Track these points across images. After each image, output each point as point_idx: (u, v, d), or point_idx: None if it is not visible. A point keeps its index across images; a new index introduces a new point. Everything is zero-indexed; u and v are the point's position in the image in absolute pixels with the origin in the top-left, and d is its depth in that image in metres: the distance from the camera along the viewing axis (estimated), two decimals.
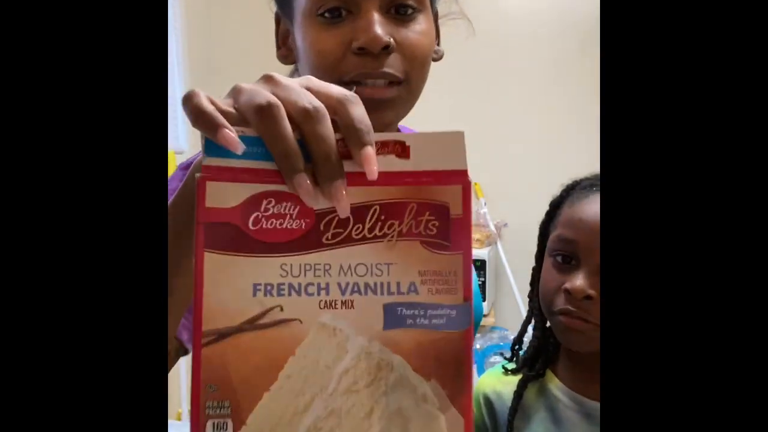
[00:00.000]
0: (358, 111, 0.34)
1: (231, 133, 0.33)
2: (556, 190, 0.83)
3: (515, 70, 2.57)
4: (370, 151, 0.34)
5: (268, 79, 0.36)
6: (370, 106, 0.37)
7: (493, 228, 2.61)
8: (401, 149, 0.35)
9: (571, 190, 0.80)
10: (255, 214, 0.34)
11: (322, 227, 0.34)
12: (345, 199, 0.34)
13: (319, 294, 0.34)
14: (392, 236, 0.35)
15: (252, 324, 0.34)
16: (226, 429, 0.33)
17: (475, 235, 2.55)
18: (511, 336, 0.88)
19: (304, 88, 0.35)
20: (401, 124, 0.69)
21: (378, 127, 0.35)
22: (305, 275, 0.34)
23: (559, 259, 0.74)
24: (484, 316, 2.49)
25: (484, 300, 2.41)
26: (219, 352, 0.33)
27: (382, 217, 0.35)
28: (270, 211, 0.34)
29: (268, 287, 0.34)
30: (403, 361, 0.34)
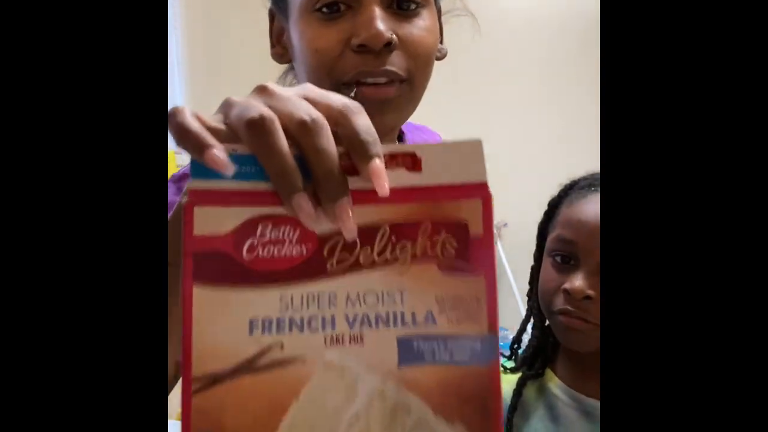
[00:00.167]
0: (363, 121, 0.31)
1: (219, 153, 0.29)
2: (555, 191, 0.83)
3: (515, 69, 2.58)
4: (378, 164, 0.30)
5: (261, 91, 0.32)
6: (371, 107, 0.34)
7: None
8: (412, 162, 0.31)
9: (569, 190, 0.80)
10: (250, 241, 0.30)
11: (325, 253, 0.31)
12: (351, 219, 0.30)
13: (324, 329, 0.30)
14: (405, 260, 0.31)
15: (249, 366, 0.30)
16: None
17: None
18: (511, 335, 0.88)
19: (302, 98, 0.32)
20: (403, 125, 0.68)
21: (379, 131, 0.32)
22: (308, 308, 0.30)
23: (558, 259, 0.75)
24: None
25: None
26: (212, 399, 0.30)
27: (393, 239, 0.31)
28: (266, 237, 0.30)
29: (266, 323, 0.30)
30: (422, 402, 0.30)
